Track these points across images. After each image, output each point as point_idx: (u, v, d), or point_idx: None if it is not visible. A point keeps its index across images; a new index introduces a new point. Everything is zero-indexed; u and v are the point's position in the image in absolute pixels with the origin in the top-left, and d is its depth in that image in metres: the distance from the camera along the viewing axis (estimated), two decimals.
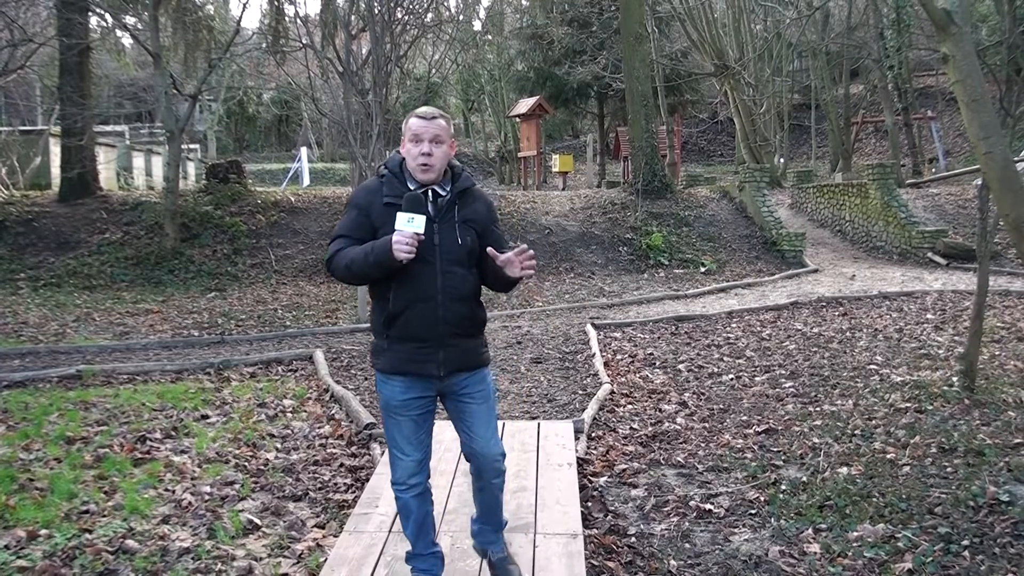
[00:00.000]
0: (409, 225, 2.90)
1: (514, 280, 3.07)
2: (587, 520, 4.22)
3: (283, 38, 19.50)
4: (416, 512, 3.23)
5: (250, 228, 15.10)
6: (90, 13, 17.40)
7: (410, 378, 3.10)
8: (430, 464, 3.28)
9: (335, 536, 4.00)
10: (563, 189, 22.60)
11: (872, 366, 7.12)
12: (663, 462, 5.15)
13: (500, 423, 4.73)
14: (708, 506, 4.41)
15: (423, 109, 3.11)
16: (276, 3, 19.38)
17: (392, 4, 12.59)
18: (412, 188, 3.05)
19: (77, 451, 5.36)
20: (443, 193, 3.10)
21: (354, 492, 4.66)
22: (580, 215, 16.28)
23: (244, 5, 42.92)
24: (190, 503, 4.47)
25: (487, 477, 3.24)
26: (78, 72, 16.13)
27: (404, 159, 3.10)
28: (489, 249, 3.02)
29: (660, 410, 6.27)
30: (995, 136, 5.15)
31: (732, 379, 7.09)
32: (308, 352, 8.49)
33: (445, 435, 4.38)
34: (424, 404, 3.16)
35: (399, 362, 3.10)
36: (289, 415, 6.31)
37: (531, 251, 3.00)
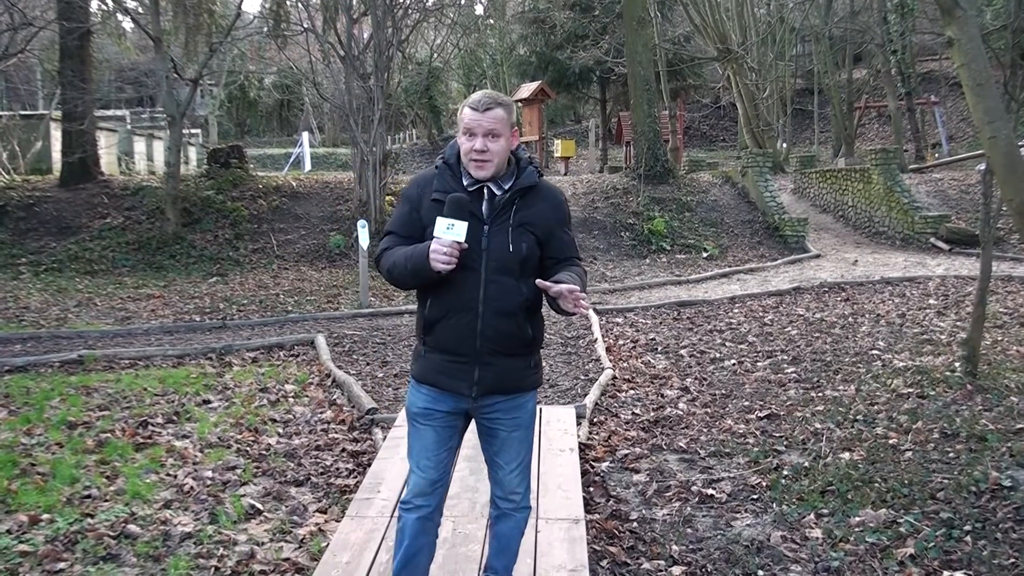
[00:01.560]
0: (448, 232, 2.58)
1: (569, 312, 2.66)
2: (589, 505, 4.22)
3: (284, 22, 19.46)
4: (409, 541, 2.84)
5: (251, 213, 15.08)
6: None
7: (440, 391, 2.80)
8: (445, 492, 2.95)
9: (337, 521, 4.01)
10: (565, 174, 22.52)
11: (874, 351, 7.10)
12: (665, 447, 5.16)
13: None
14: (710, 491, 4.41)
15: (476, 97, 2.70)
16: None
17: None
18: (467, 183, 2.73)
19: (79, 436, 5.37)
20: (499, 192, 2.74)
21: (356, 477, 4.67)
22: (582, 200, 16.22)
23: None
24: (192, 488, 4.48)
25: (503, 508, 2.94)
26: (79, 56, 16.06)
27: None
28: (539, 281, 2.63)
29: (662, 395, 6.27)
30: (1000, 120, 5.11)
31: (734, 364, 7.08)
32: (310, 337, 8.49)
33: None
34: (449, 419, 2.83)
35: (431, 372, 2.81)
36: (291, 400, 6.31)
37: (581, 292, 2.59)
